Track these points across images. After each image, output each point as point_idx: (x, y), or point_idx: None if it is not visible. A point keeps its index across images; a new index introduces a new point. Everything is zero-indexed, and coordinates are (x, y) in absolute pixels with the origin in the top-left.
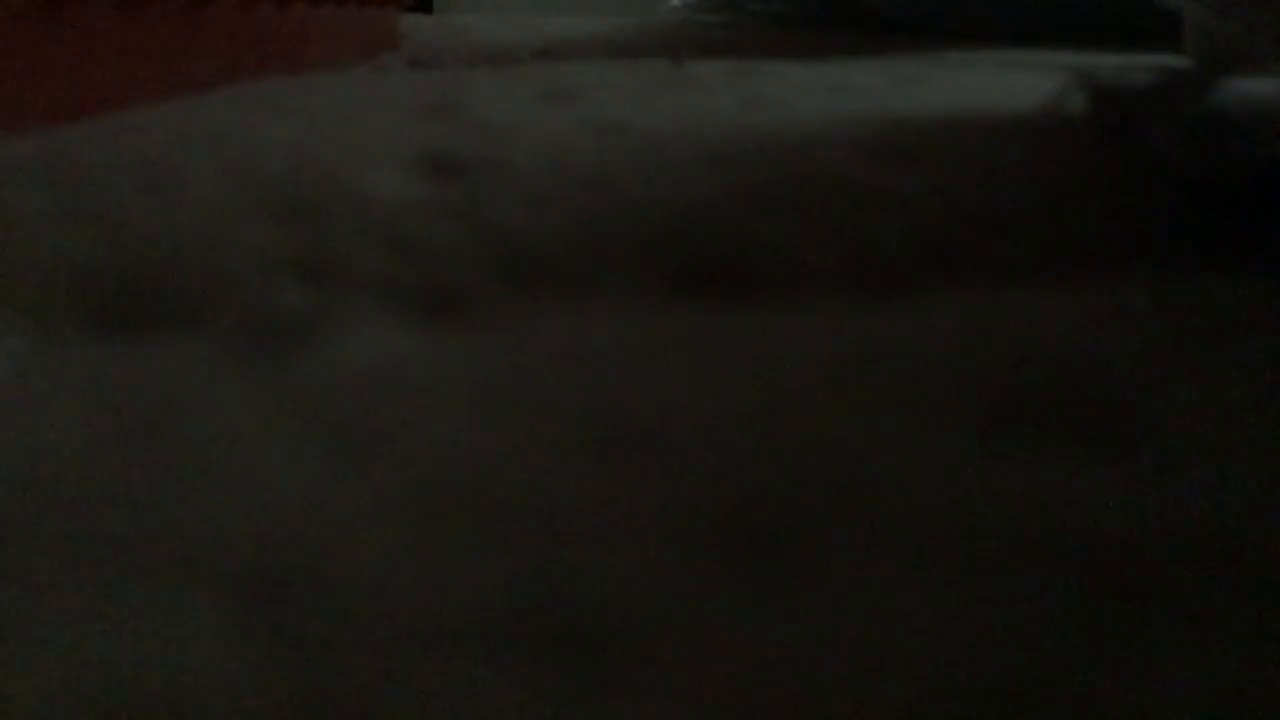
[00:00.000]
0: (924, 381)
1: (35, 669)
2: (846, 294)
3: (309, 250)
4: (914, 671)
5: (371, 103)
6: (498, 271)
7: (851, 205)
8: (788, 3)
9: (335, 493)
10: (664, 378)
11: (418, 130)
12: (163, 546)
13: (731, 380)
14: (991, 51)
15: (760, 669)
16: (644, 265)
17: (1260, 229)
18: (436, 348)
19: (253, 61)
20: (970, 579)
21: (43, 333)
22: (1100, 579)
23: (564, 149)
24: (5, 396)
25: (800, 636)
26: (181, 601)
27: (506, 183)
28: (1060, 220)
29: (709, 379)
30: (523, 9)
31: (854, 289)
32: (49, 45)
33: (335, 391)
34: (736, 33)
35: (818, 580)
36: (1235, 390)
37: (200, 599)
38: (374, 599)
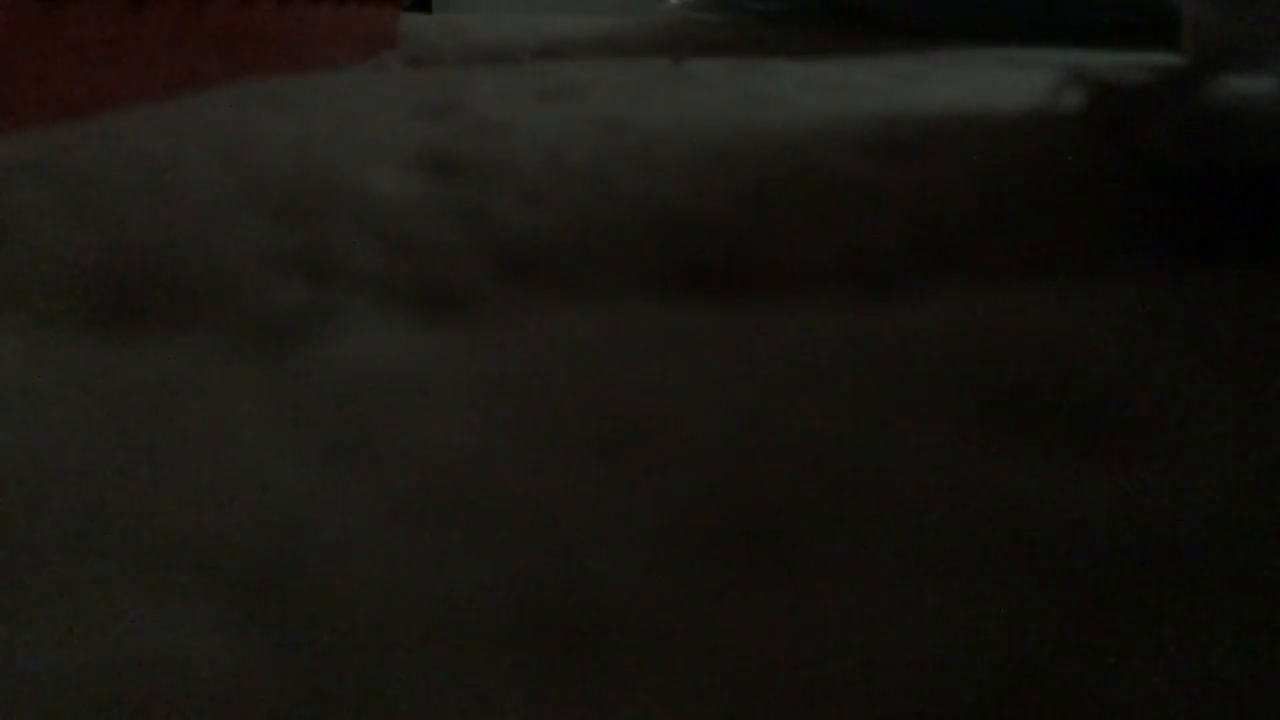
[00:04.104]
0: (923, 380)
1: (35, 668)
2: (845, 293)
3: (308, 249)
4: (911, 671)
5: (371, 102)
6: (497, 270)
7: (851, 204)
8: (787, 1)
9: (335, 491)
10: (664, 377)
11: (417, 129)
12: (162, 545)
13: (731, 379)
14: (991, 51)
15: (759, 668)
16: (644, 264)
17: (1260, 228)
18: (436, 346)
19: (252, 60)
20: (968, 578)
21: (43, 332)
22: (1097, 578)
23: (563, 148)
24: (5, 396)
25: (799, 636)
26: (181, 600)
27: (506, 181)
28: (1058, 219)
29: (709, 378)
30: (522, 8)
31: (852, 288)
32: (49, 45)
33: (335, 390)
34: (735, 31)
35: (817, 579)
36: (1234, 389)
37: (200, 598)
38: (374, 598)
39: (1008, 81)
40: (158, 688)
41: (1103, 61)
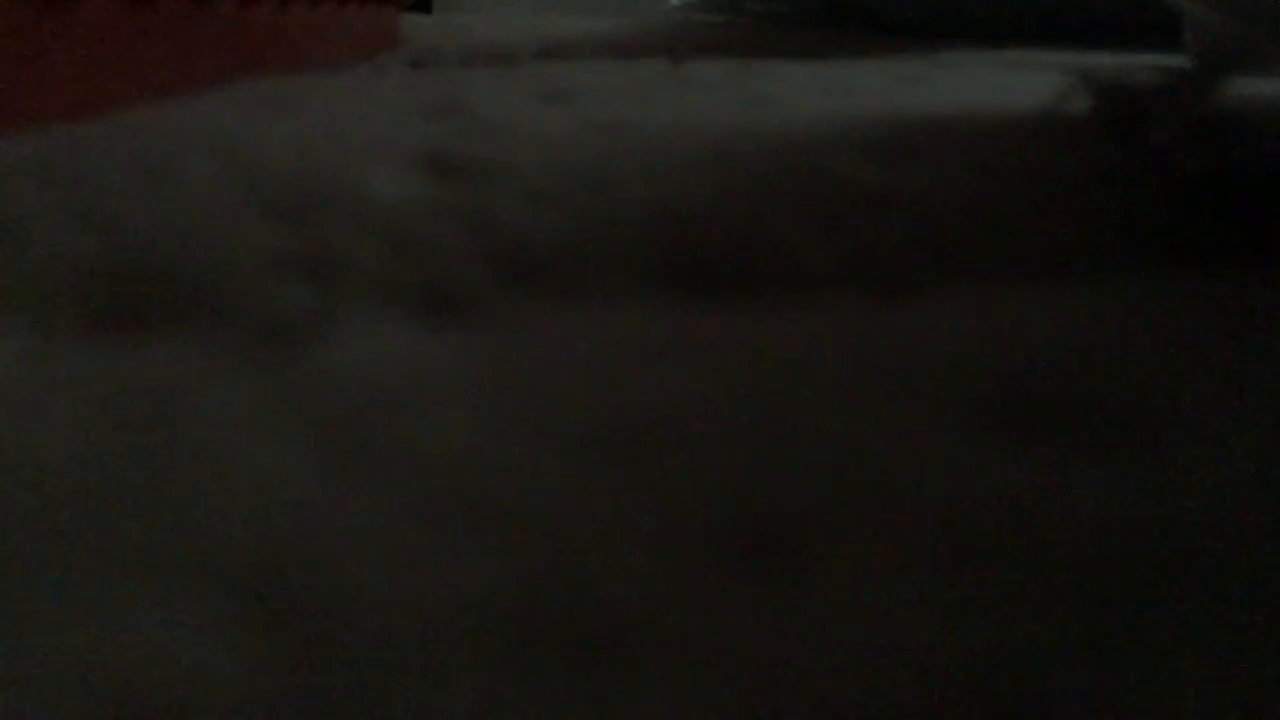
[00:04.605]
0: (925, 381)
1: (36, 668)
2: (846, 294)
3: (309, 250)
4: (915, 670)
5: (372, 102)
6: (498, 271)
7: (851, 205)
8: (788, 3)
9: (336, 493)
10: (664, 378)
11: (418, 130)
12: (163, 546)
13: (732, 380)
14: (991, 51)
15: (763, 668)
16: (644, 265)
17: (1260, 229)
18: (436, 347)
19: (253, 61)
20: (974, 579)
21: (43, 333)
22: (1100, 578)
23: (564, 148)
24: (5, 396)
25: (806, 637)
26: (182, 601)
27: (507, 182)
28: (1061, 219)
29: (709, 379)
30: (523, 9)
31: (854, 289)
32: (50, 45)
33: (336, 391)
34: (736, 32)
35: (819, 579)
36: (1235, 390)
37: (200, 598)
38: (374, 599)
39: (1009, 83)
40: (159, 687)
41: (1106, 63)
